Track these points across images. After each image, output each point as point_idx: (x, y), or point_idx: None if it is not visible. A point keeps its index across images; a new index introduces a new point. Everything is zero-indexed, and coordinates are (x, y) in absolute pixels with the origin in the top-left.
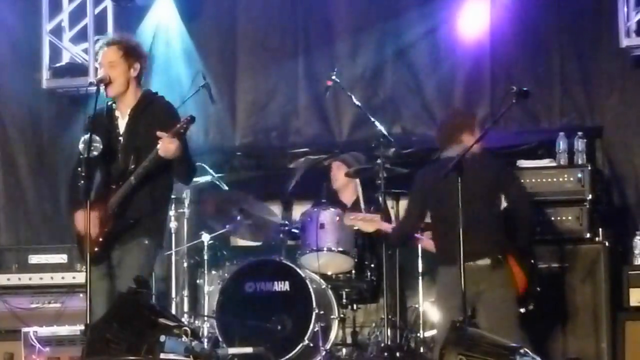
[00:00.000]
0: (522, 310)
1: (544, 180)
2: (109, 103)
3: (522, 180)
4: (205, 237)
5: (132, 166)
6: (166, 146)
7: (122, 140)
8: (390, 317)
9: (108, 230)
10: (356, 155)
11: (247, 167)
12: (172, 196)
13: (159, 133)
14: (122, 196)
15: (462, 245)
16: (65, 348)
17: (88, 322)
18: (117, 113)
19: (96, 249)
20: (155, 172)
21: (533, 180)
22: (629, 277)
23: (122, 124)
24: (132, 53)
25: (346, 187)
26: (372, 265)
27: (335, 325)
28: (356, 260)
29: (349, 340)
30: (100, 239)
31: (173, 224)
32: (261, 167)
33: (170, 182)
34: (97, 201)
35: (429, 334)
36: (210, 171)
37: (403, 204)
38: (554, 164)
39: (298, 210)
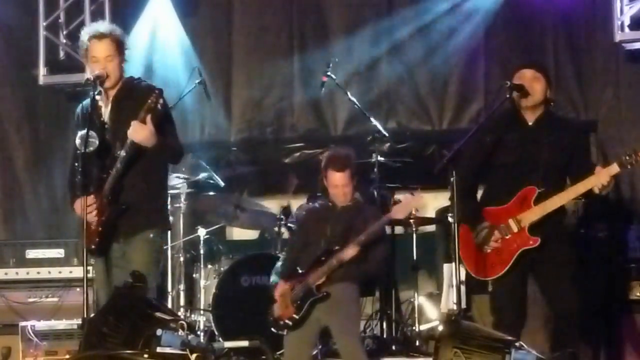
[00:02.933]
0: None
1: None
2: (91, 94)
3: None
4: (201, 232)
5: (119, 152)
6: (135, 130)
7: (107, 128)
8: (385, 310)
9: (105, 218)
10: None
11: (242, 162)
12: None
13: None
14: (113, 183)
15: (457, 243)
16: (62, 342)
17: (85, 316)
18: (100, 103)
19: (97, 240)
20: (143, 156)
21: None
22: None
23: (105, 112)
24: (122, 44)
25: None
26: None
27: None
28: None
29: None
30: (100, 229)
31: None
32: (257, 162)
33: (163, 162)
34: (94, 192)
35: (424, 327)
36: (207, 166)
37: (397, 198)
38: None
39: (295, 204)
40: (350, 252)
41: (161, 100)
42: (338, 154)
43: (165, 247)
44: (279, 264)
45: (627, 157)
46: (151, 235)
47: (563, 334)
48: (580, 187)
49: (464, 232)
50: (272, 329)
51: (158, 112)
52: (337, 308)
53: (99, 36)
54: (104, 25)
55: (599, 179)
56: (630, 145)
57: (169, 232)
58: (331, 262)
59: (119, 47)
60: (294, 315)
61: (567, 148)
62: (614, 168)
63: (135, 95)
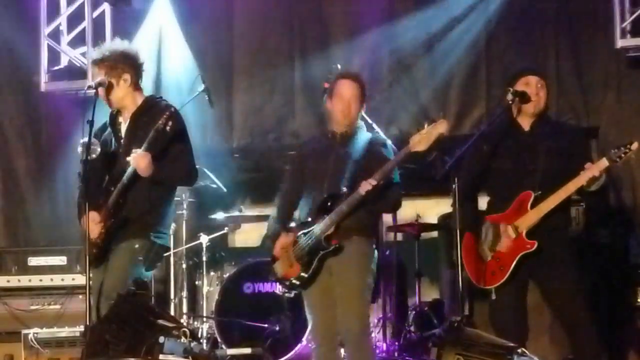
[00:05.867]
0: None
1: None
2: (113, 111)
3: None
4: (204, 239)
5: (127, 168)
6: (137, 159)
7: (122, 143)
8: (388, 317)
9: (104, 230)
10: None
11: (244, 169)
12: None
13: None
14: (117, 197)
15: (459, 246)
16: (65, 349)
17: (88, 323)
18: (120, 119)
19: (95, 251)
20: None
21: None
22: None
23: (123, 128)
24: (118, 66)
25: None
26: None
27: None
28: None
29: None
30: (98, 241)
31: (172, 226)
32: (259, 168)
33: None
34: (101, 204)
35: (427, 333)
36: (209, 173)
37: None
38: None
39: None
40: (365, 187)
41: (170, 123)
42: (351, 70)
43: (166, 255)
44: (273, 211)
45: (616, 151)
46: (136, 246)
47: (582, 346)
48: (571, 186)
49: (467, 240)
50: (277, 292)
51: (167, 133)
52: (346, 273)
53: (92, 61)
54: (99, 49)
55: (588, 174)
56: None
57: (172, 238)
58: (340, 207)
59: (111, 71)
60: (303, 274)
61: (565, 153)
62: (603, 162)
63: (152, 114)
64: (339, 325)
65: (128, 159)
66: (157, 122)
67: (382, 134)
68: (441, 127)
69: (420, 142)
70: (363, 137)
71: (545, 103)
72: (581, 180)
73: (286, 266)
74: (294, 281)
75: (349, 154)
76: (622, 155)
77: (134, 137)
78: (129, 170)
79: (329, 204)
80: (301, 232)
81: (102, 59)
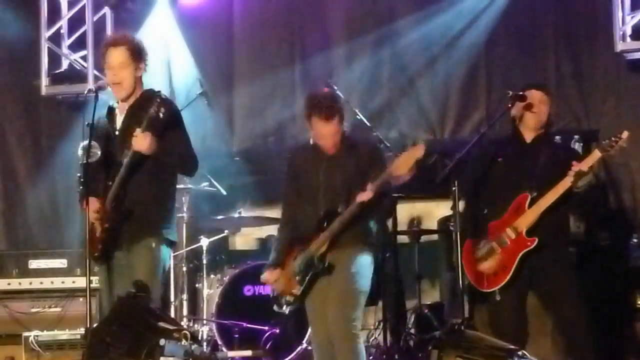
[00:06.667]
0: None
1: None
2: (110, 104)
3: None
4: (204, 241)
5: (124, 160)
6: (138, 140)
7: (118, 136)
8: (388, 319)
9: (108, 225)
10: None
11: (245, 172)
12: None
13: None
14: (116, 190)
15: (458, 246)
16: (65, 352)
17: (88, 326)
18: (117, 112)
19: (100, 247)
20: (148, 163)
21: None
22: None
23: (119, 120)
24: (139, 53)
25: None
26: None
27: None
28: None
29: None
30: (103, 236)
31: None
32: (259, 172)
33: (171, 172)
34: (100, 200)
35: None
36: (209, 176)
37: (400, 207)
38: None
39: None
40: (363, 196)
41: (162, 109)
42: (322, 97)
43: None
44: (277, 232)
45: (608, 141)
46: (153, 244)
47: (575, 345)
48: (567, 180)
49: (468, 243)
50: (274, 307)
51: (160, 120)
52: (340, 279)
53: (114, 43)
54: (121, 34)
55: (582, 166)
56: (631, 153)
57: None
58: (333, 226)
59: (134, 55)
60: (294, 291)
61: (563, 164)
62: (596, 154)
63: (150, 107)
64: (330, 329)
65: (122, 161)
66: (149, 110)
67: (379, 136)
68: (418, 152)
69: (400, 166)
70: (349, 147)
71: (548, 119)
72: (574, 172)
73: (286, 281)
74: (288, 298)
75: (338, 168)
76: (614, 144)
77: (130, 129)
78: (126, 160)
79: (325, 222)
80: (300, 247)
81: (130, 41)
